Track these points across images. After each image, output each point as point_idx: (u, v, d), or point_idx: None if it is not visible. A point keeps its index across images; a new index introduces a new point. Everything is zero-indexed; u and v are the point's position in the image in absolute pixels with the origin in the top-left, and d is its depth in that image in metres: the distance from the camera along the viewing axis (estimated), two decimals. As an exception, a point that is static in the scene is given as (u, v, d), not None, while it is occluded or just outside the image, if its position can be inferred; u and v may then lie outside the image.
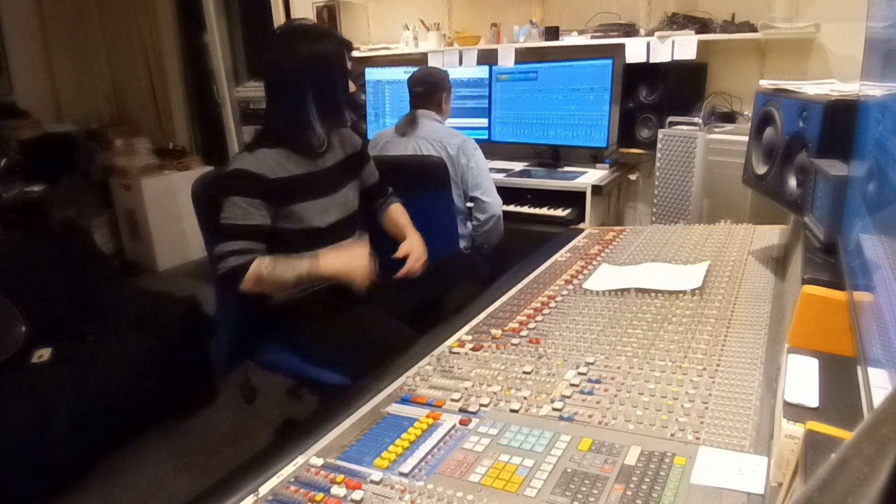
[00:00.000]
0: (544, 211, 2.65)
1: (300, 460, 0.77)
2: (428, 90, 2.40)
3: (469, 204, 2.34)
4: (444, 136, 2.31)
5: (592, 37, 2.80)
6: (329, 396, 1.71)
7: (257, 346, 1.74)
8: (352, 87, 1.67)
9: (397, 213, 1.87)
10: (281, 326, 1.69)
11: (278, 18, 3.67)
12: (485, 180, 2.30)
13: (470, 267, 1.82)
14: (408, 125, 2.36)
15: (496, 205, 2.31)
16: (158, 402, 2.30)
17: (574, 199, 2.62)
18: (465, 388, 0.90)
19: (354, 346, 1.54)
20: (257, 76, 1.68)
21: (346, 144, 1.77)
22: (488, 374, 0.94)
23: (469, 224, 2.36)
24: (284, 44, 1.59)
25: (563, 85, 2.88)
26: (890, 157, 0.61)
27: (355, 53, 3.50)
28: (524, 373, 0.92)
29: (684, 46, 2.53)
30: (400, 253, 1.69)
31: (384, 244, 2.13)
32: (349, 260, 1.55)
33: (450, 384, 0.92)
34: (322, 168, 1.67)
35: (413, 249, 1.71)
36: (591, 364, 0.92)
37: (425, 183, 2.03)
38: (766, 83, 1.32)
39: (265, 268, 1.50)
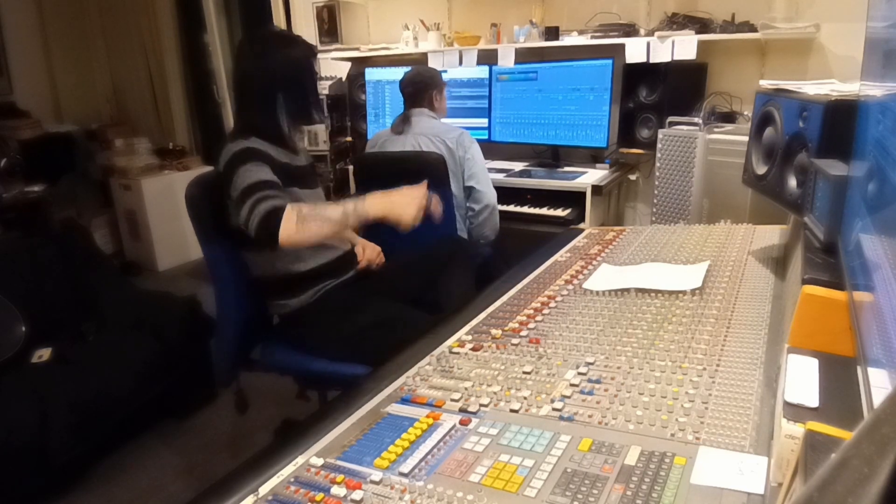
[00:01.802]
0: (544, 211, 2.65)
1: (300, 460, 0.77)
2: (417, 89, 2.43)
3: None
4: (441, 130, 2.33)
5: (592, 37, 2.80)
6: (345, 388, 1.73)
7: (262, 347, 1.75)
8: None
9: None
10: (289, 326, 1.70)
11: (278, 19, 3.67)
12: (480, 171, 2.33)
13: (463, 249, 1.87)
14: (402, 123, 2.39)
15: (490, 195, 2.33)
16: (158, 402, 2.30)
17: (574, 199, 2.62)
18: (465, 388, 0.90)
19: (375, 337, 1.54)
20: (233, 79, 1.69)
21: (305, 155, 1.82)
22: (488, 374, 0.94)
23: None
24: (259, 48, 1.63)
25: (563, 85, 2.88)
26: (890, 157, 0.61)
27: (355, 53, 3.52)
28: (524, 373, 0.92)
29: (684, 46, 2.53)
30: (363, 262, 1.82)
31: (381, 231, 2.14)
32: (400, 200, 1.46)
33: (450, 384, 0.92)
34: (301, 164, 1.72)
35: (366, 249, 1.84)
36: (591, 364, 0.92)
37: (425, 178, 2.04)
38: (766, 83, 1.32)
39: (304, 210, 1.44)
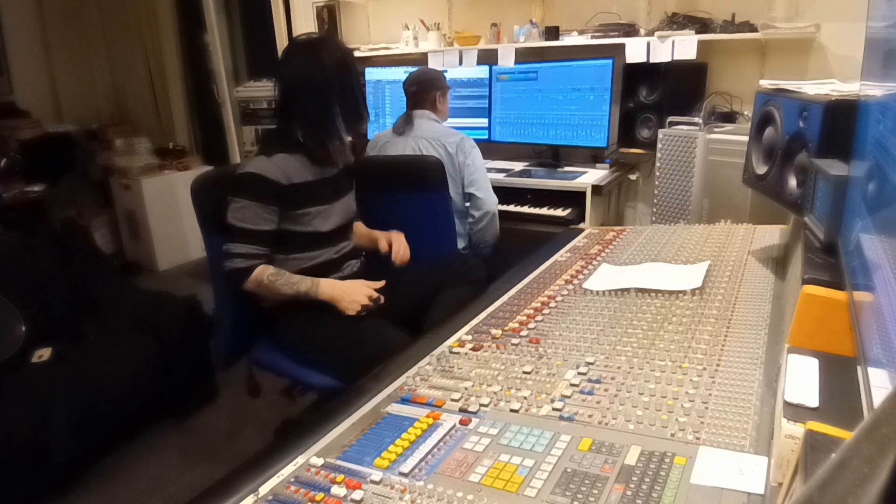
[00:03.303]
0: (544, 211, 2.65)
1: (300, 460, 0.77)
2: (420, 89, 2.42)
3: (467, 203, 2.35)
4: (442, 134, 2.32)
5: (592, 37, 2.80)
6: (321, 398, 1.72)
7: (254, 345, 1.75)
8: None
9: (361, 226, 1.94)
10: (276, 327, 1.70)
11: (278, 19, 3.67)
12: (480, 177, 2.32)
13: (466, 267, 1.84)
14: (404, 124, 2.38)
15: (491, 202, 2.32)
16: (158, 402, 2.30)
17: (574, 199, 2.62)
18: (465, 388, 0.90)
19: (345, 348, 1.55)
20: (274, 81, 1.68)
21: (343, 156, 1.81)
22: (488, 374, 0.94)
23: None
24: (310, 54, 1.61)
25: (563, 85, 2.87)
26: (890, 157, 0.61)
27: (356, 53, 3.51)
28: (524, 373, 0.92)
29: (684, 46, 2.53)
30: (384, 247, 1.85)
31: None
32: (347, 291, 1.60)
33: (450, 384, 0.92)
34: (329, 175, 1.71)
35: (392, 240, 1.85)
36: (591, 364, 0.92)
37: (422, 183, 2.04)
38: (766, 83, 1.32)
39: (268, 276, 1.56)
